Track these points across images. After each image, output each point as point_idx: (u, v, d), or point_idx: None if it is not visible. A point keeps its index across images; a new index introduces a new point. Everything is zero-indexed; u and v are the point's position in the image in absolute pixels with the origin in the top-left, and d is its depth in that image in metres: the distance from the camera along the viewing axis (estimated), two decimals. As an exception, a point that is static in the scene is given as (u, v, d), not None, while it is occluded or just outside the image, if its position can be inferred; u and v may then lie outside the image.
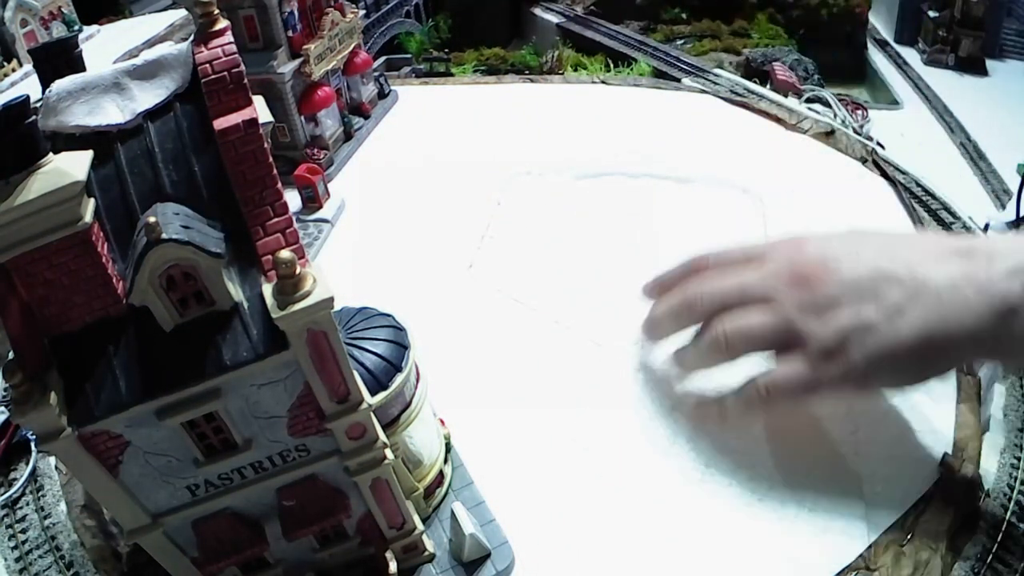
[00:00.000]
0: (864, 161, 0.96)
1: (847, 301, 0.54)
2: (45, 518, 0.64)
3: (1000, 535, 0.56)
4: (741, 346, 0.59)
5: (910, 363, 0.54)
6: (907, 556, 0.54)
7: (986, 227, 0.84)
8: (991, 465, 0.60)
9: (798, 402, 0.57)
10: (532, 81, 1.30)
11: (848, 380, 0.54)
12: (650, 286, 0.70)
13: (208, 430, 0.42)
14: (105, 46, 1.34)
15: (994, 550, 0.55)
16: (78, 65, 0.42)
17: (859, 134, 1.22)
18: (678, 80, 1.38)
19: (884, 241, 0.57)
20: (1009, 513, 0.57)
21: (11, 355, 0.38)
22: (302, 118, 1.02)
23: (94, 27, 1.43)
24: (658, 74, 1.47)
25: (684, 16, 1.91)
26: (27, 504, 0.65)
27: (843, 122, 1.41)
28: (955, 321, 0.52)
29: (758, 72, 1.56)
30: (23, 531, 0.63)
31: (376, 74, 1.19)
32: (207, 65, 0.40)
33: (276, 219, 0.40)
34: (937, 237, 0.57)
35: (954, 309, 0.52)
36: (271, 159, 0.40)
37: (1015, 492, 0.58)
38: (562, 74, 1.44)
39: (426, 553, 0.55)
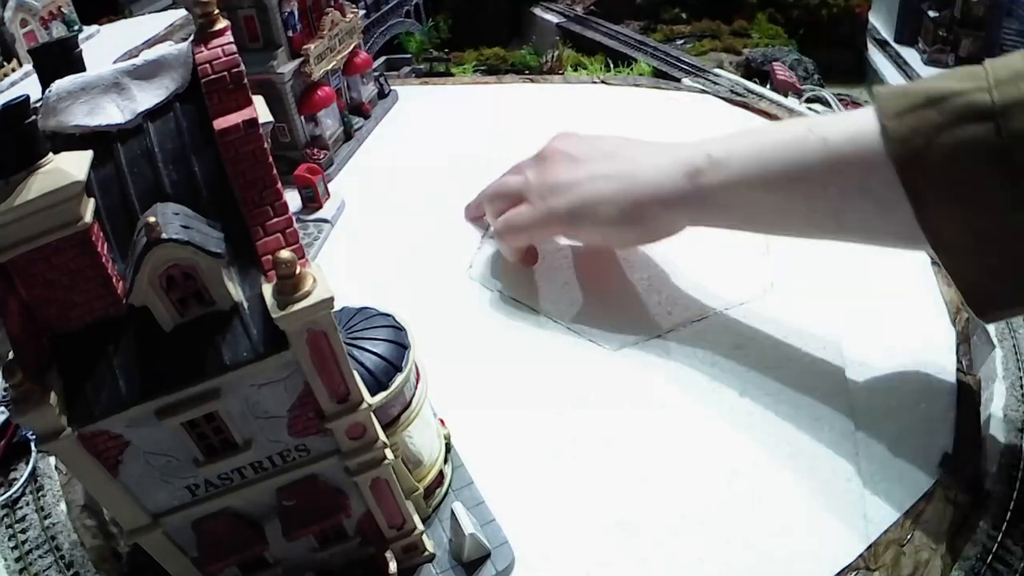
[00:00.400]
0: (864, 161, 0.95)
1: (566, 168, 0.73)
2: (45, 518, 0.64)
3: (1000, 535, 0.56)
4: (496, 199, 0.81)
5: (606, 217, 0.69)
6: (907, 556, 0.54)
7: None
8: (991, 464, 0.60)
9: (526, 236, 0.78)
10: (532, 81, 1.29)
11: (555, 222, 0.73)
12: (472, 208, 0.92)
13: (208, 430, 0.42)
14: (105, 46, 1.34)
15: (994, 550, 0.55)
16: (78, 65, 0.42)
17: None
18: (678, 80, 1.38)
19: (623, 139, 0.74)
20: (1009, 513, 0.57)
21: (11, 355, 0.38)
22: (302, 118, 1.02)
23: (94, 27, 1.43)
24: (658, 74, 1.47)
25: (684, 16, 1.91)
26: (27, 504, 0.65)
27: (843, 122, 1.41)
28: (645, 182, 0.66)
29: (758, 72, 1.56)
30: (23, 531, 0.63)
31: (376, 74, 1.19)
32: (207, 65, 0.40)
33: (276, 219, 0.40)
34: (666, 143, 0.71)
35: (646, 173, 0.66)
36: (271, 159, 0.40)
37: (1015, 492, 0.58)
38: (562, 74, 1.44)
39: (426, 553, 0.55)
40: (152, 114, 0.41)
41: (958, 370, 0.68)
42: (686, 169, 0.64)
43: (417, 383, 0.55)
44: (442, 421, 0.61)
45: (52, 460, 0.68)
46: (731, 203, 0.64)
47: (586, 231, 0.74)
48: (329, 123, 1.06)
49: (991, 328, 0.72)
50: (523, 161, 0.83)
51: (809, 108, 1.32)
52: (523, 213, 0.75)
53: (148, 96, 0.41)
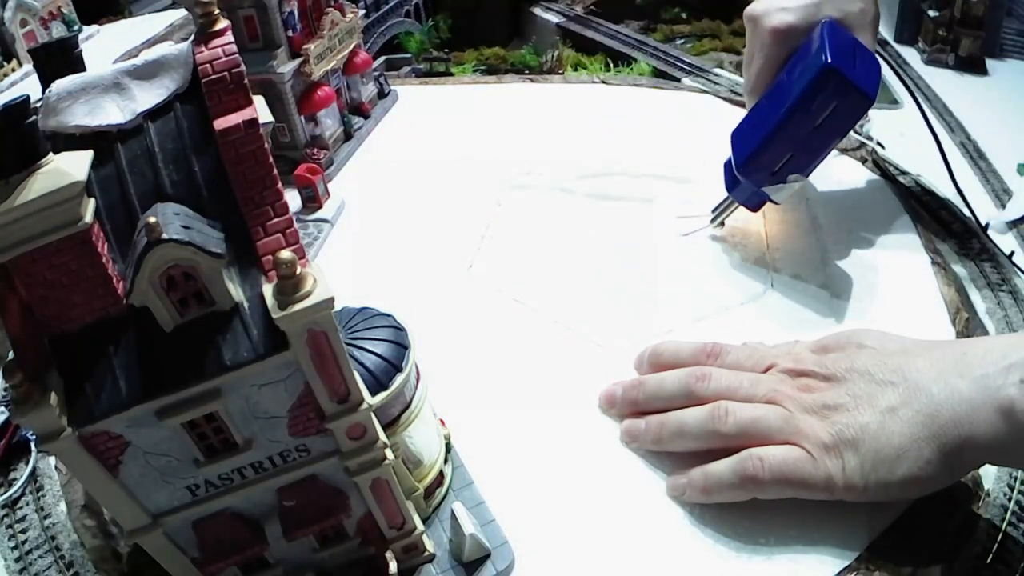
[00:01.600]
0: (864, 161, 0.96)
1: (844, 406, 0.55)
2: (45, 518, 0.64)
3: (1000, 535, 0.56)
4: (741, 422, 0.57)
5: (917, 476, 0.52)
6: (907, 557, 0.54)
7: (986, 226, 0.84)
8: (991, 466, 0.60)
9: (787, 493, 0.56)
10: (532, 81, 1.29)
11: (846, 480, 0.54)
12: (644, 358, 0.68)
13: (208, 430, 0.42)
14: (105, 46, 1.34)
15: (994, 550, 0.55)
16: (78, 65, 0.42)
17: (859, 134, 1.22)
18: (678, 80, 1.38)
19: (875, 351, 0.58)
20: (1009, 514, 0.57)
21: (11, 355, 0.38)
22: (302, 118, 1.02)
23: (94, 27, 1.43)
24: (658, 74, 1.47)
25: (684, 16, 1.91)
26: (27, 504, 0.65)
27: (843, 122, 1.41)
28: (948, 416, 0.51)
29: (758, 72, 1.56)
30: (23, 531, 0.63)
31: (376, 74, 1.19)
32: (207, 65, 0.40)
33: (276, 219, 0.40)
34: (930, 343, 0.58)
35: (948, 405, 0.51)
36: (271, 159, 0.40)
37: (1015, 493, 0.58)
38: (562, 74, 1.44)
39: (426, 553, 0.55)
40: (152, 114, 0.41)
41: (958, 370, 0.68)
42: (999, 403, 0.50)
43: (417, 383, 0.55)
44: (442, 421, 0.61)
45: (52, 460, 0.68)
46: None
47: (883, 491, 0.54)
48: (329, 123, 1.06)
49: (991, 328, 0.72)
50: (745, 353, 0.64)
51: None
52: (788, 458, 0.55)
53: (148, 96, 0.41)
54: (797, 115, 0.70)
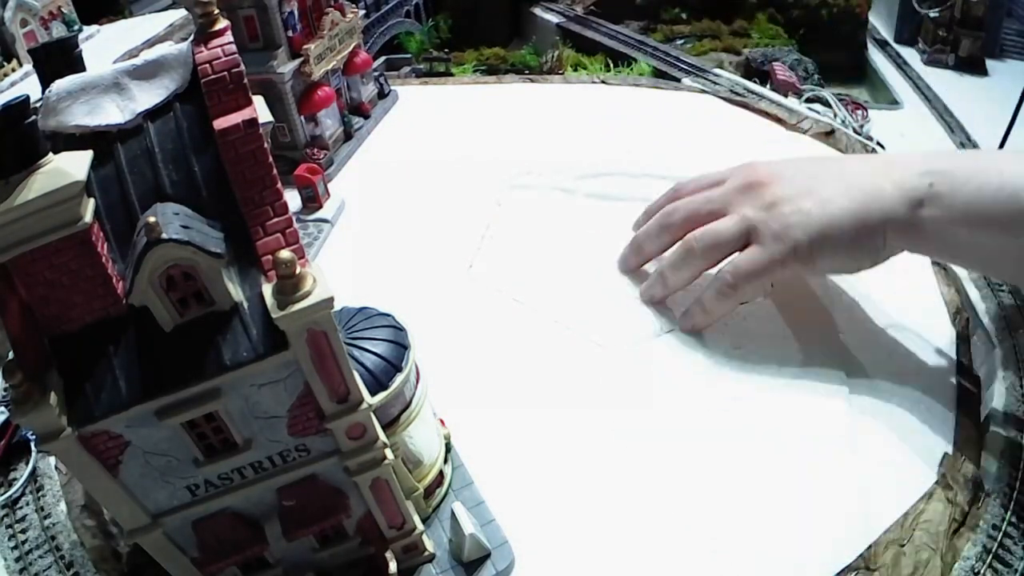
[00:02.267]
0: (864, 161, 0.95)
1: (789, 198, 0.68)
2: (45, 518, 0.64)
3: (1000, 535, 0.56)
4: (710, 249, 0.71)
5: (843, 242, 0.66)
6: (907, 556, 0.54)
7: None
8: (991, 465, 0.60)
9: (759, 284, 0.70)
10: (532, 81, 1.29)
11: (796, 258, 0.67)
12: (639, 219, 0.84)
13: (208, 430, 0.42)
14: (105, 46, 1.34)
15: (994, 550, 0.55)
16: (78, 65, 0.42)
17: (859, 134, 1.22)
18: (678, 80, 1.38)
19: (820, 160, 0.73)
20: (1009, 513, 0.57)
21: (11, 355, 0.38)
22: (302, 118, 1.02)
23: (94, 27, 1.43)
24: (658, 74, 1.47)
25: (684, 16, 1.91)
26: (27, 504, 0.65)
27: (843, 122, 1.41)
28: (876, 207, 0.64)
29: (758, 72, 1.56)
30: (23, 531, 0.63)
31: (376, 74, 1.19)
32: (207, 65, 0.40)
33: (276, 219, 0.40)
34: (864, 156, 0.73)
35: (874, 198, 0.65)
36: (271, 159, 0.40)
37: (1015, 492, 0.58)
38: (562, 74, 1.44)
39: (426, 553, 0.55)
40: (152, 114, 0.41)
41: (958, 370, 0.68)
42: (909, 197, 0.63)
43: (417, 383, 0.55)
44: (442, 421, 0.61)
45: (52, 460, 0.68)
46: (949, 239, 0.63)
47: (822, 262, 0.68)
48: (329, 123, 1.06)
49: (991, 328, 0.72)
50: (696, 192, 0.78)
51: (809, 108, 1.32)
52: (755, 256, 0.69)
53: (148, 96, 0.41)
54: None
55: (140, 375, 0.39)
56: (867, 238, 0.65)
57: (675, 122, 1.09)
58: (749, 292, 0.71)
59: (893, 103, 1.79)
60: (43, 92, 0.41)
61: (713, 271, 0.72)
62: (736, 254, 0.70)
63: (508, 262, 0.85)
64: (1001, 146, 0.93)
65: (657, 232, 0.78)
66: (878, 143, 1.13)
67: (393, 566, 0.53)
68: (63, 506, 0.64)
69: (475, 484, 0.60)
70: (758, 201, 0.70)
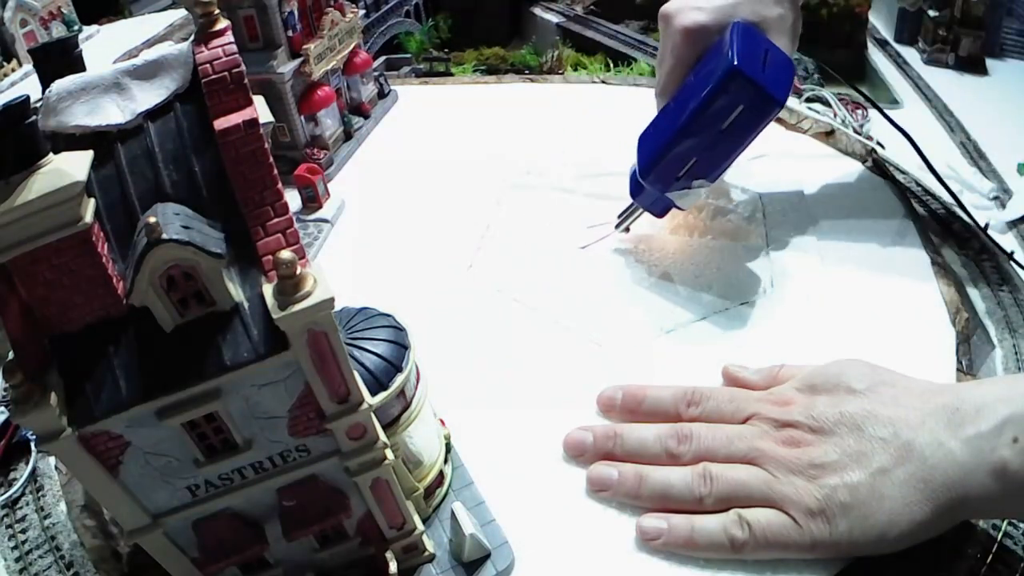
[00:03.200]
0: (864, 161, 0.96)
1: (832, 466, 0.53)
2: (45, 518, 0.64)
3: (1000, 535, 0.56)
4: (725, 488, 0.55)
5: (894, 540, 0.52)
6: (907, 559, 0.54)
7: (986, 227, 0.84)
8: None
9: (773, 555, 0.54)
10: (532, 81, 1.29)
11: (833, 550, 0.53)
12: (617, 400, 0.65)
13: (208, 430, 0.42)
14: (105, 46, 1.34)
15: (994, 550, 0.55)
16: (78, 65, 0.42)
17: (859, 134, 1.22)
18: (678, 80, 1.38)
19: (864, 399, 0.56)
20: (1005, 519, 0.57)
21: (11, 355, 0.38)
22: (302, 118, 1.02)
23: (94, 27, 1.43)
24: (658, 74, 1.47)
25: (684, 16, 1.91)
26: (27, 504, 0.65)
27: (843, 122, 1.41)
28: (941, 480, 0.50)
29: (758, 72, 1.56)
30: (23, 531, 0.63)
31: (376, 74, 1.19)
32: (207, 65, 0.40)
33: (276, 219, 0.40)
34: (922, 390, 0.56)
35: (941, 468, 0.50)
36: (271, 159, 0.40)
37: (1015, 492, 0.58)
38: (562, 74, 1.44)
39: (426, 553, 0.55)
40: (152, 114, 0.41)
41: (958, 370, 0.68)
42: (992, 465, 0.49)
43: (417, 383, 0.55)
44: (442, 421, 0.61)
45: (52, 460, 0.68)
46: None
47: (863, 551, 0.53)
48: (329, 123, 1.06)
49: (991, 328, 0.72)
50: (727, 399, 0.62)
51: (809, 108, 1.32)
52: (781, 530, 0.53)
53: (148, 96, 0.41)
54: (702, 117, 0.68)
55: (140, 375, 0.39)
56: (946, 524, 0.52)
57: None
58: (751, 555, 0.54)
59: (893, 103, 1.79)
60: (43, 92, 0.41)
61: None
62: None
63: (508, 262, 0.85)
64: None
65: (652, 455, 0.60)
66: (878, 143, 1.13)
67: (393, 566, 0.53)
68: (63, 506, 0.64)
69: (475, 484, 0.60)
70: (794, 460, 0.55)
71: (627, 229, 0.83)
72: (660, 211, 0.79)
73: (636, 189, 0.79)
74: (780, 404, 0.59)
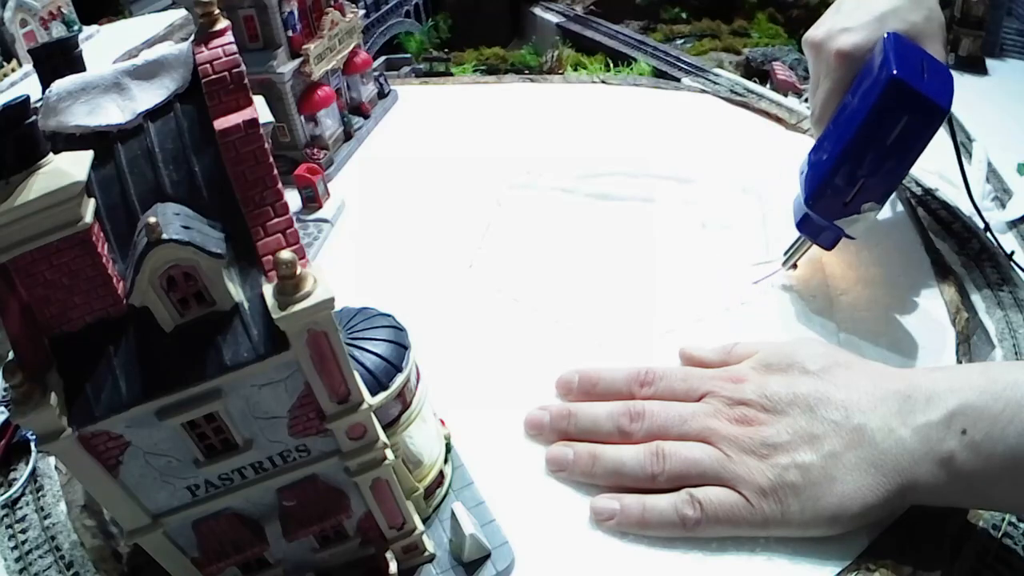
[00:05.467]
0: (864, 161, 0.95)
1: (784, 446, 0.54)
2: (45, 518, 0.64)
3: (1000, 535, 0.56)
4: (678, 466, 0.56)
5: (846, 519, 0.53)
6: (907, 557, 0.54)
7: (986, 227, 0.84)
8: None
9: (725, 533, 0.55)
10: (532, 81, 1.29)
11: (783, 525, 0.54)
12: (574, 383, 0.67)
13: (208, 430, 0.42)
14: (105, 46, 1.34)
15: (994, 550, 0.55)
16: (78, 65, 0.42)
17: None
18: (678, 80, 1.38)
19: (818, 381, 0.57)
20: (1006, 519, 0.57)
21: (11, 355, 0.38)
22: (302, 118, 1.02)
23: (94, 27, 1.42)
24: (658, 74, 1.47)
25: (684, 16, 1.91)
26: (27, 504, 0.65)
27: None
28: (891, 466, 0.52)
29: (758, 72, 1.56)
30: (23, 531, 0.63)
31: (376, 74, 1.19)
32: (207, 65, 0.40)
33: (276, 219, 0.40)
34: (876, 374, 0.57)
35: (891, 454, 0.52)
36: (271, 159, 0.40)
37: (1015, 492, 0.58)
38: (562, 74, 1.44)
39: (426, 553, 0.55)
40: (152, 114, 0.41)
41: (958, 370, 0.68)
42: (939, 455, 0.51)
43: (417, 383, 0.55)
44: (442, 421, 0.61)
45: (52, 460, 0.68)
46: (983, 492, 0.52)
47: (816, 530, 0.54)
48: (329, 123, 1.06)
49: (991, 328, 0.72)
50: (680, 378, 0.63)
51: (809, 108, 1.32)
52: (731, 507, 0.54)
53: (148, 96, 0.41)
54: (866, 135, 0.65)
55: (140, 375, 0.39)
56: (895, 510, 0.54)
57: (675, 122, 1.09)
58: (703, 533, 0.55)
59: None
60: (43, 92, 0.41)
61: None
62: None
63: (508, 262, 0.85)
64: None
65: (605, 433, 0.61)
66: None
67: (393, 566, 0.53)
68: (63, 506, 0.64)
69: (475, 484, 0.60)
70: (746, 439, 0.56)
71: (795, 266, 0.78)
72: (829, 243, 0.73)
73: (802, 221, 0.74)
74: (734, 382, 0.59)
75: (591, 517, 0.58)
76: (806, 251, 0.76)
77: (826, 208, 0.70)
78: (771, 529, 0.54)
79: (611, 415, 0.61)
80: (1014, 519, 0.57)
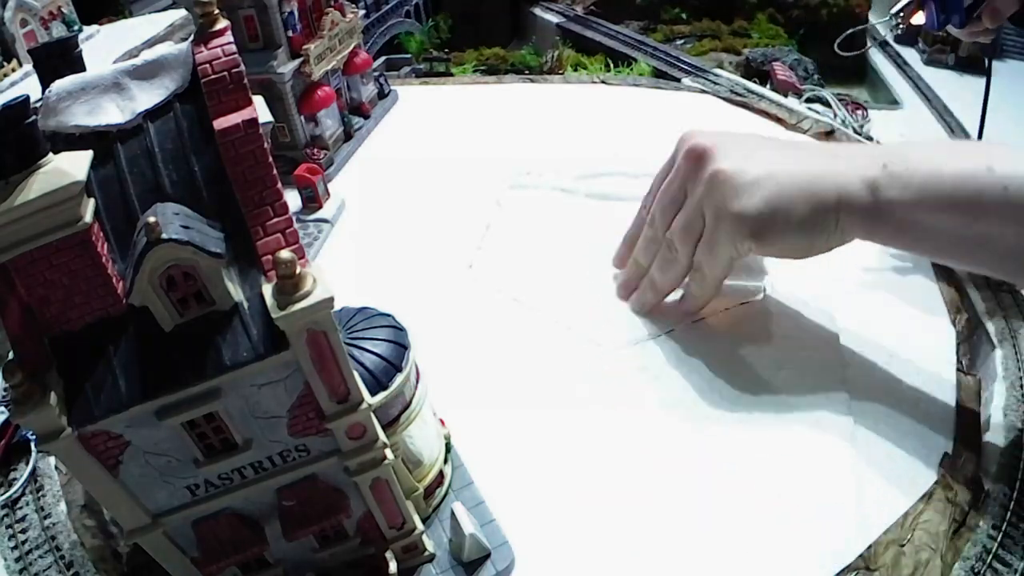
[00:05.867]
0: (864, 161, 0.95)
1: (735, 170, 0.65)
2: (45, 518, 0.64)
3: (1000, 535, 0.56)
4: (684, 239, 0.69)
5: (793, 217, 0.63)
6: (907, 556, 0.54)
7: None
8: (991, 465, 0.60)
9: (720, 267, 0.68)
10: (532, 81, 1.29)
11: (745, 229, 0.64)
12: (618, 255, 0.82)
13: (208, 430, 0.42)
14: (105, 46, 1.34)
15: (994, 550, 0.55)
16: (78, 65, 0.42)
17: (859, 134, 1.22)
18: (678, 80, 1.38)
19: (763, 136, 0.72)
20: (1009, 513, 0.57)
21: (11, 355, 0.38)
22: (302, 118, 1.02)
23: (94, 27, 1.42)
24: (658, 74, 1.47)
25: (684, 16, 1.91)
26: (27, 504, 0.65)
27: (843, 122, 1.41)
28: (829, 182, 0.62)
29: (758, 72, 1.56)
30: (23, 531, 0.63)
31: (376, 74, 1.19)
32: (207, 65, 0.40)
33: (276, 219, 0.40)
34: (815, 142, 0.70)
35: (827, 173, 0.62)
36: (271, 159, 0.40)
37: (1015, 492, 0.58)
38: (562, 74, 1.44)
39: (426, 553, 0.55)
40: (152, 114, 0.41)
41: (958, 370, 0.68)
42: (863, 176, 0.61)
43: (417, 383, 0.55)
44: (442, 421, 0.61)
45: (52, 460, 0.68)
46: (906, 224, 0.60)
47: (771, 237, 0.64)
48: (329, 123, 1.06)
49: (991, 328, 0.72)
50: (658, 191, 0.74)
51: (809, 108, 1.32)
52: (705, 234, 0.67)
53: (148, 96, 0.41)
54: None
55: (140, 375, 0.39)
56: (819, 215, 0.62)
57: (675, 122, 1.09)
58: (712, 282, 0.70)
59: (893, 103, 1.80)
60: (43, 92, 0.41)
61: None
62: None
63: (508, 262, 0.85)
64: (980, 136, 0.93)
65: (645, 247, 0.76)
66: (877, 143, 1.13)
67: (393, 566, 0.53)
68: (63, 506, 0.64)
69: (475, 484, 0.60)
70: (704, 174, 0.67)
71: (900, 25, 0.81)
72: (936, 21, 0.77)
73: None
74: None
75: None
76: (913, 13, 0.80)
77: None
78: (738, 239, 0.65)
79: (646, 246, 0.76)
80: (1014, 519, 0.57)
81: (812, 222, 0.63)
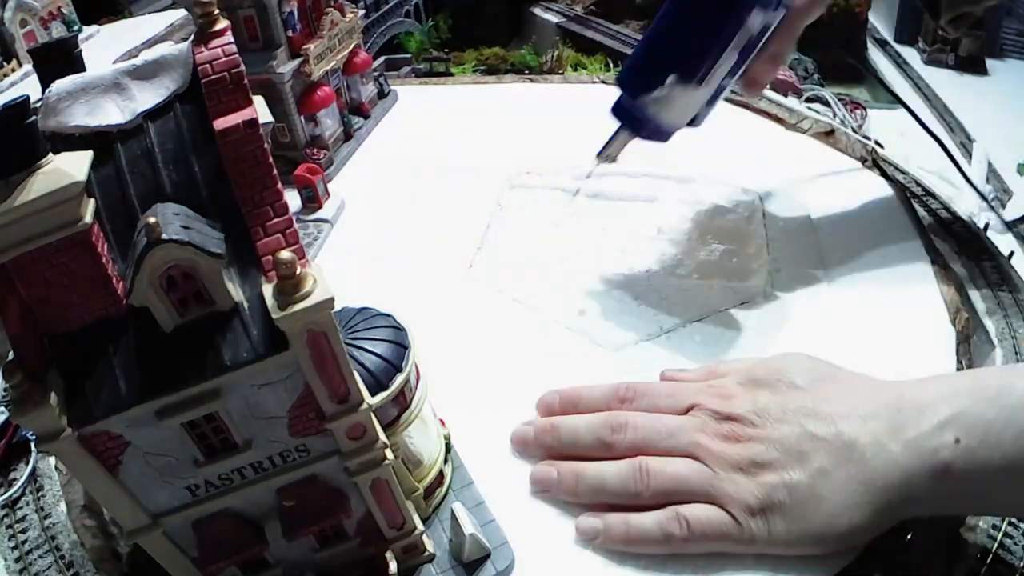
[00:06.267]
0: (864, 161, 0.96)
1: (772, 464, 0.53)
2: (45, 518, 0.64)
3: (1000, 535, 0.56)
4: (663, 484, 0.55)
5: (834, 540, 0.52)
6: (907, 556, 0.54)
7: (986, 227, 0.84)
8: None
9: (712, 549, 0.54)
10: (532, 81, 1.29)
11: (769, 544, 0.52)
12: (556, 402, 0.65)
13: (208, 430, 0.42)
14: (105, 46, 1.34)
15: (994, 550, 0.55)
16: (78, 65, 0.42)
17: (858, 134, 1.22)
18: (678, 80, 1.38)
19: (807, 396, 0.55)
20: (1005, 521, 0.57)
21: (11, 355, 0.38)
22: (302, 118, 1.02)
23: (94, 27, 1.42)
24: (658, 74, 1.47)
25: (684, 16, 1.91)
26: (27, 504, 0.65)
27: (843, 122, 1.41)
28: (882, 483, 0.50)
29: (758, 72, 1.56)
30: (23, 531, 0.63)
31: (376, 74, 1.19)
32: (207, 65, 0.40)
33: (276, 219, 0.40)
34: (865, 387, 0.55)
35: (882, 471, 0.50)
36: (271, 159, 0.40)
37: (1015, 492, 0.58)
38: (562, 74, 1.44)
39: (426, 553, 0.55)
40: (152, 114, 0.41)
41: (958, 370, 0.68)
42: (931, 466, 0.49)
43: (417, 383, 0.55)
44: (442, 421, 0.61)
45: (52, 460, 0.68)
46: (981, 499, 0.52)
47: (811, 550, 0.53)
48: (329, 123, 1.06)
49: (991, 328, 0.72)
50: (664, 393, 0.61)
51: (809, 108, 1.32)
52: (718, 524, 0.53)
53: (148, 96, 0.41)
54: (664, 11, 0.65)
55: (140, 375, 0.39)
56: (887, 521, 0.52)
57: (675, 122, 1.09)
58: (690, 550, 0.54)
59: (893, 103, 1.79)
60: (43, 92, 0.41)
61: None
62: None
63: (508, 262, 0.85)
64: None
65: (586, 446, 0.60)
66: (877, 143, 1.13)
67: (393, 566, 0.53)
68: (63, 506, 0.64)
69: (475, 484, 0.60)
70: (734, 455, 0.54)
71: (612, 159, 0.76)
72: (645, 131, 0.72)
73: (615, 106, 0.73)
74: (721, 397, 0.58)
75: (578, 535, 0.57)
76: (625, 143, 0.75)
77: (633, 85, 0.69)
78: (758, 547, 0.53)
79: (590, 427, 0.59)
80: (1014, 519, 0.57)
81: (873, 530, 0.52)
